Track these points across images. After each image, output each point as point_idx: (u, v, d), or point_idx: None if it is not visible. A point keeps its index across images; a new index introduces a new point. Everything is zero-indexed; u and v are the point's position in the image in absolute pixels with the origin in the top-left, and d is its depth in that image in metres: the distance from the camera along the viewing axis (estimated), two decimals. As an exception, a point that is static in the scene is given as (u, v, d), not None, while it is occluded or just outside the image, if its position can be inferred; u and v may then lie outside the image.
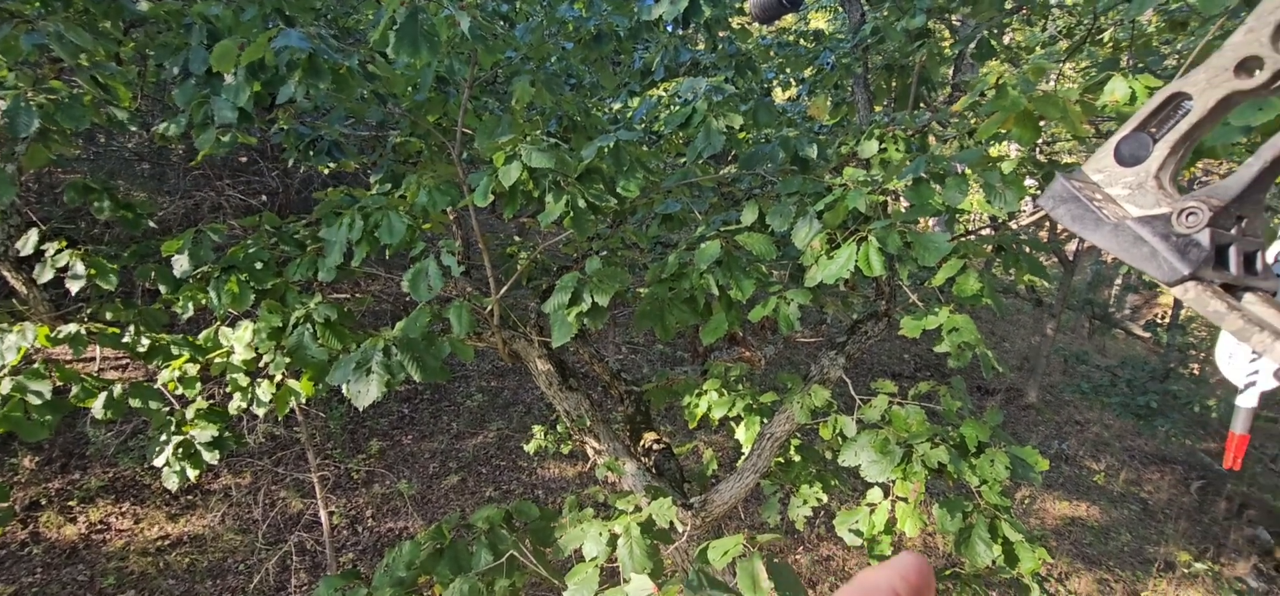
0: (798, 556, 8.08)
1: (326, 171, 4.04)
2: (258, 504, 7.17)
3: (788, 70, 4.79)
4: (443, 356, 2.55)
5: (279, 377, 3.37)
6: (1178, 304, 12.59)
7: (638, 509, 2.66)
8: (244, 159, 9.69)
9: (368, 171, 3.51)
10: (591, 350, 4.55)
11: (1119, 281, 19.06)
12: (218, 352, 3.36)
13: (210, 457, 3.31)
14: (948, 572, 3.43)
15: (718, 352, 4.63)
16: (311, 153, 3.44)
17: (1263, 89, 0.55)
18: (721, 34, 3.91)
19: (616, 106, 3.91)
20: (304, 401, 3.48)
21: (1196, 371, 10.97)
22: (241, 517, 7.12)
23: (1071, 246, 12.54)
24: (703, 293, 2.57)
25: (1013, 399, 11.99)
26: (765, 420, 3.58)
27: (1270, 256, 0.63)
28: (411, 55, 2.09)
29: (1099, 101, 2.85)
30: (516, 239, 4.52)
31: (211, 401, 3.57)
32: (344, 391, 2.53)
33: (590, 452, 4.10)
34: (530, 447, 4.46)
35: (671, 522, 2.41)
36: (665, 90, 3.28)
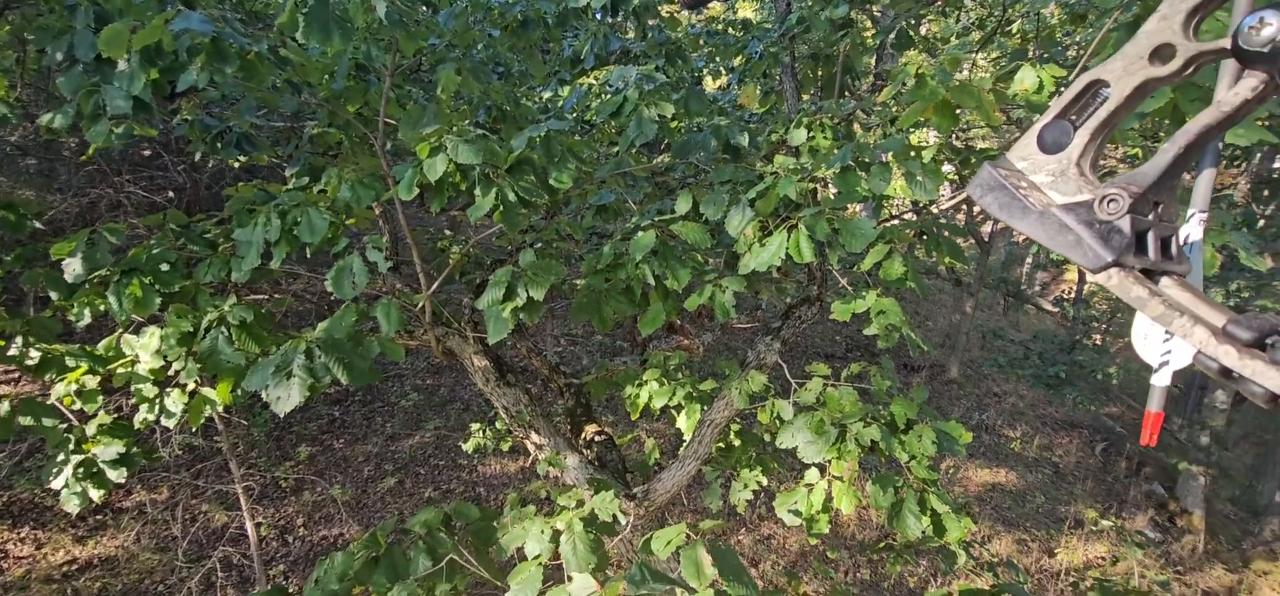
0: (740, 538, 8.26)
1: (236, 165, 3.79)
2: (176, 520, 6.73)
3: (717, 59, 4.82)
4: (371, 357, 2.45)
5: (191, 386, 3.15)
6: (1082, 279, 13.52)
7: (581, 503, 2.64)
8: (148, 152, 9.01)
9: (283, 165, 3.32)
10: (529, 344, 4.47)
11: (1029, 260, 20.32)
12: (120, 362, 3.11)
13: (116, 476, 3.07)
14: (881, 545, 3.57)
15: (657, 341, 4.65)
16: (220, 146, 3.22)
17: (1176, 75, 0.57)
18: (650, 22, 3.90)
19: (547, 95, 3.84)
20: (222, 410, 3.27)
21: (1099, 342, 11.84)
22: (159, 535, 6.67)
23: (987, 228, 13.27)
24: (639, 283, 2.57)
25: (936, 374, 12.62)
26: (705, 407, 3.62)
27: (1182, 239, 0.66)
28: (323, 41, 1.97)
29: (1010, 90, 3.00)
30: (448, 232, 4.38)
31: (116, 415, 3.30)
32: (264, 397, 2.39)
33: (531, 448, 4.05)
34: (468, 447, 4.36)
35: (615, 516, 2.40)
36: (596, 79, 3.24)
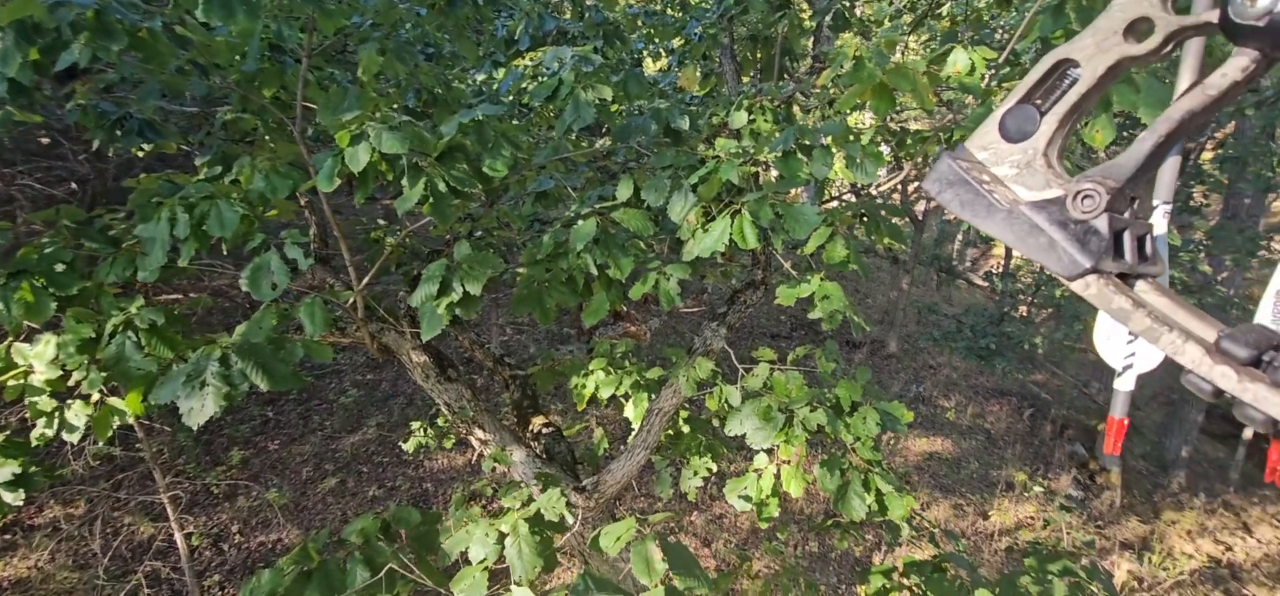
0: (692, 518, 8.34)
1: (140, 154, 3.49)
2: (96, 535, 6.29)
3: (656, 40, 4.74)
4: (295, 360, 2.29)
5: (97, 396, 2.89)
6: (1009, 254, 14.16)
7: (528, 501, 2.56)
8: (46, 140, 8.28)
9: (194, 153, 3.06)
10: (472, 336, 4.33)
11: (960, 237, 21.18)
12: (10, 373, 2.83)
13: (12, 499, 2.79)
14: (829, 522, 3.64)
15: (603, 328, 4.59)
16: (119, 133, 2.94)
17: (1154, 53, 0.51)
18: (587, 2, 3.79)
19: (480, 78, 3.67)
20: (132, 419, 3.02)
21: (1025, 313, 12.44)
22: (77, 552, 6.23)
23: (920, 207, 13.72)
24: (581, 273, 2.49)
25: (876, 350, 13.03)
26: (653, 396, 3.59)
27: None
28: (225, 19, 1.79)
29: (942, 73, 3.04)
30: (382, 222, 4.18)
31: (9, 432, 3.01)
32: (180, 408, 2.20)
33: (475, 444, 3.93)
34: (408, 447, 4.19)
35: (562, 515, 2.34)
36: (531, 61, 3.12)
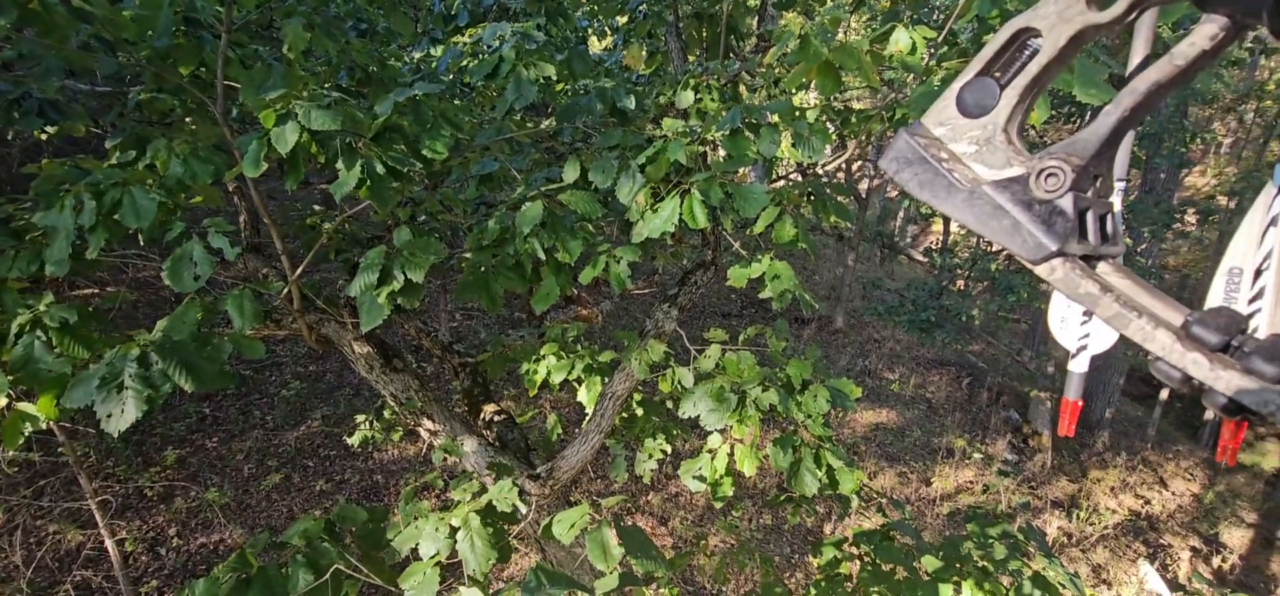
0: (648, 498, 8.40)
1: (43, 137, 3.22)
2: (16, 546, 5.89)
3: (600, 18, 4.64)
4: (224, 357, 2.15)
5: (4, 402, 2.67)
6: (947, 229, 14.64)
7: (480, 492, 2.50)
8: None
9: (105, 136, 2.83)
10: (419, 324, 4.20)
11: (902, 213, 21.82)
12: (-98, 381, 2.58)
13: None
14: (783, 497, 3.70)
15: (554, 312, 4.52)
16: (17, 114, 2.69)
17: (1118, 21, 0.48)
18: (530, -24, 3.67)
19: (417, 56, 3.51)
20: (47, 424, 2.81)
21: (962, 286, 12.93)
22: (-1, 564, 5.83)
23: (863, 184, 14.05)
24: (529, 257, 2.42)
25: (824, 326, 13.34)
26: (606, 379, 3.56)
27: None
28: (127, -12, 1.64)
29: (885, 51, 3.08)
30: (318, 208, 3.98)
31: (-97, 444, 2.75)
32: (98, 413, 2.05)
33: (425, 435, 3.82)
34: (353, 441, 4.05)
35: (514, 505, 2.29)
36: (470, 37, 2.99)
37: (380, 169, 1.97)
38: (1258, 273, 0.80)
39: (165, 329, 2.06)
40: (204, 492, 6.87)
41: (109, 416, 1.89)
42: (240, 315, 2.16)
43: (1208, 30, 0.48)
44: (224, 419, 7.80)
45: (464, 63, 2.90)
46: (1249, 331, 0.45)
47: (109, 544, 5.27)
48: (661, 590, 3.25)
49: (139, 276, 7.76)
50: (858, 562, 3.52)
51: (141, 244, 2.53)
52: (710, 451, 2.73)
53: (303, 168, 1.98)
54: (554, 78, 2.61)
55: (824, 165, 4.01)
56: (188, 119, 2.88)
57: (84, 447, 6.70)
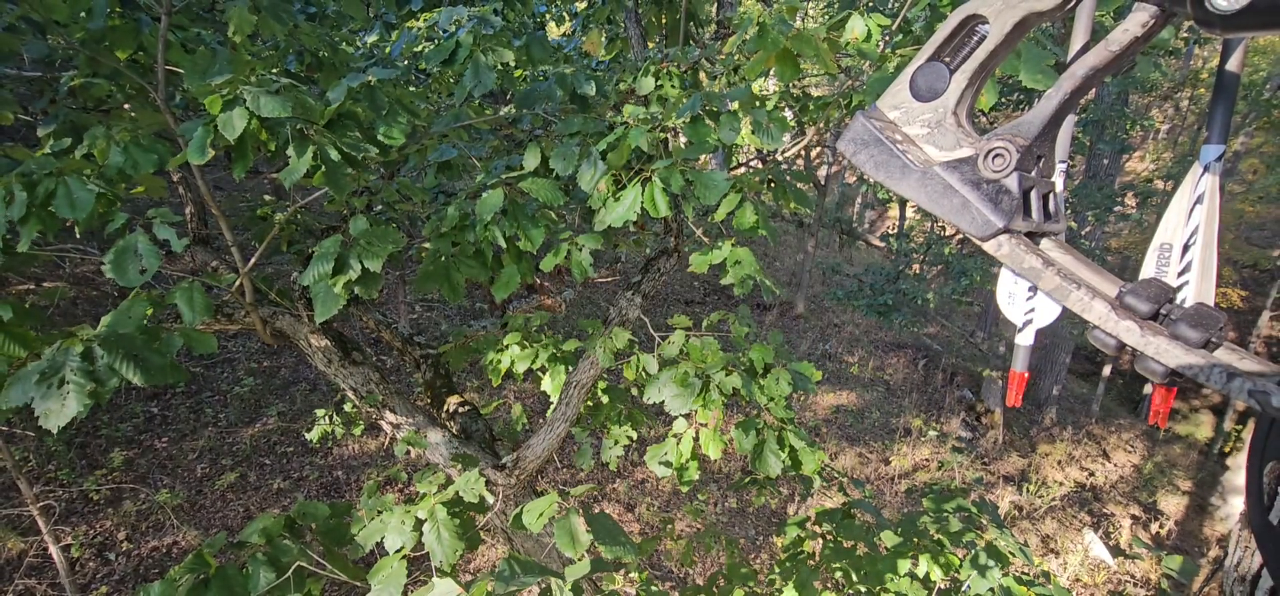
0: (615, 485, 8.43)
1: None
2: (-48, 557, 5.61)
3: (559, 3, 4.59)
4: (173, 351, 2.07)
5: (-68, 406, 2.52)
6: (903, 214, 15.01)
7: (446, 484, 2.47)
8: None
9: (36, 123, 2.69)
10: (378, 316, 4.11)
11: (859, 200, 22.25)
12: None
13: None
14: (747, 480, 3.76)
15: (517, 301, 4.48)
16: (-62, 102, 2.53)
17: (1059, 9, 0.51)
18: (487, -41, 3.60)
19: (371, 40, 3.42)
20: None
21: (917, 270, 13.29)
22: (-65, 577, 5.55)
23: (822, 171, 14.26)
24: (490, 245, 2.40)
25: (786, 311, 13.54)
26: (570, 368, 3.55)
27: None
28: (57, -35, 1.56)
29: (842, 39, 3.13)
30: (268, 198, 3.85)
31: None
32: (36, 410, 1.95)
33: (387, 428, 3.76)
34: (313, 436, 3.95)
35: (481, 495, 2.27)
36: (425, 21, 2.93)
37: (335, 155, 1.92)
38: (1185, 247, 0.86)
39: (110, 322, 1.97)
40: (154, 494, 6.63)
41: (48, 412, 1.81)
42: (190, 308, 2.08)
43: (1139, 17, 0.51)
44: (174, 418, 7.53)
45: (419, 47, 2.84)
46: (1177, 301, 0.49)
47: (53, 550, 5.04)
48: (631, 575, 3.27)
49: (77, 272, 7.41)
50: (820, 541, 3.61)
51: (78, 237, 2.41)
52: (675, 436, 2.76)
53: (251, 155, 1.91)
54: (512, 63, 2.58)
55: (784, 152, 4.06)
56: (127, 105, 2.75)
57: (22, 452, 6.39)
